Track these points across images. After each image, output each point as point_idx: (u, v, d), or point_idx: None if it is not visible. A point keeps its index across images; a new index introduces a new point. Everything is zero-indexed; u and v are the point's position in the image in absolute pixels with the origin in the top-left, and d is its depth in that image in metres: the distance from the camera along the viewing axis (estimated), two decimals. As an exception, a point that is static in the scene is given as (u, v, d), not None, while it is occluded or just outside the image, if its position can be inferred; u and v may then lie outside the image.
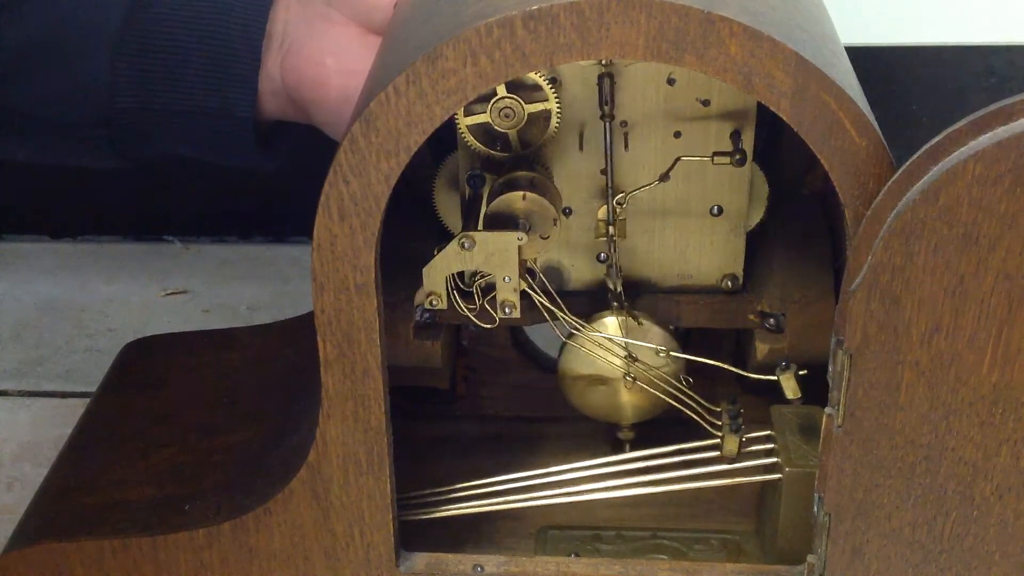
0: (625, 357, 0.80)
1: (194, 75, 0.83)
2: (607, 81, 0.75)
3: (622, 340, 0.80)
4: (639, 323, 0.80)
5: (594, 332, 0.80)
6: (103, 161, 0.88)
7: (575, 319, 0.79)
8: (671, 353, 0.80)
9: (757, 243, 0.82)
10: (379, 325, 0.68)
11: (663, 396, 0.80)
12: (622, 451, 0.83)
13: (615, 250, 0.80)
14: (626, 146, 0.78)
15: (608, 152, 0.77)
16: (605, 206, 0.78)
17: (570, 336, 0.81)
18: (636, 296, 0.82)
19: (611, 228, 0.78)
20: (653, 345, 0.80)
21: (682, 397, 0.80)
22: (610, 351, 0.80)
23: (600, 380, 0.82)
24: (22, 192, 1.31)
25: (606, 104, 0.75)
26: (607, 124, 0.76)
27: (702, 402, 0.80)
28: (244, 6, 0.83)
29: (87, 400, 0.94)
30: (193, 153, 0.89)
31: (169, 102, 0.83)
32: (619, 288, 0.80)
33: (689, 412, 0.80)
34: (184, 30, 0.82)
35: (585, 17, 0.61)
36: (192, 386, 0.92)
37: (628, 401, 0.83)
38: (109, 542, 0.77)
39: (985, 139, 0.59)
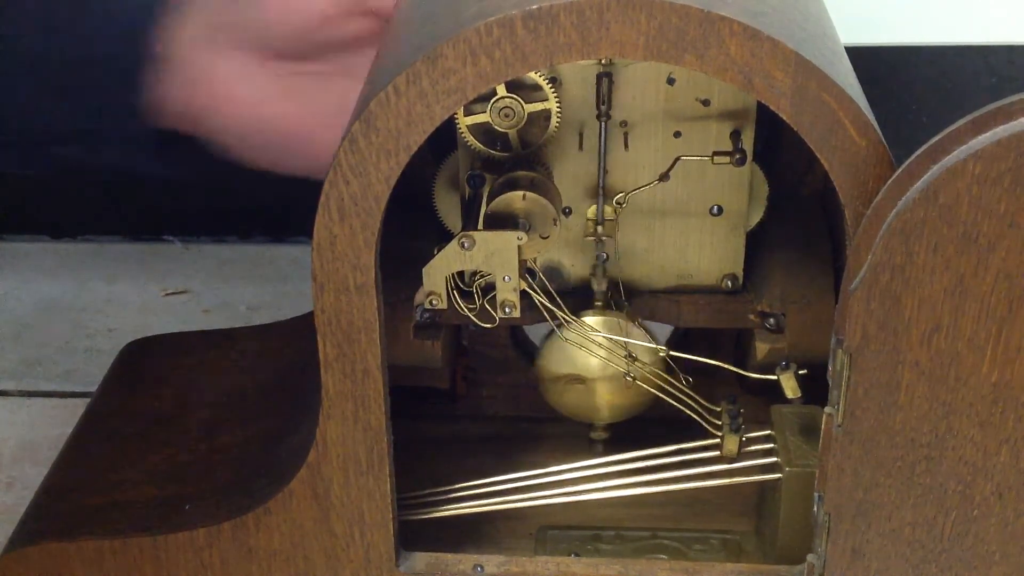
0: (625, 357, 0.81)
1: (78, 95, 0.83)
2: (605, 81, 0.75)
3: (622, 340, 0.80)
4: (620, 322, 0.80)
5: (593, 332, 0.80)
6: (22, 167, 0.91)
7: (575, 319, 0.79)
8: (672, 353, 0.80)
9: (757, 243, 0.82)
10: (379, 325, 0.68)
11: (663, 396, 0.80)
12: (622, 451, 0.83)
13: (603, 249, 0.80)
14: (626, 146, 0.78)
15: (602, 151, 0.77)
16: (595, 205, 0.79)
17: (550, 334, 0.81)
18: (624, 295, 0.82)
19: (599, 227, 0.79)
20: (652, 345, 0.80)
21: (682, 397, 0.80)
22: (606, 350, 0.81)
23: (577, 379, 0.82)
24: (22, 192, 1.31)
25: (603, 104, 0.75)
26: (603, 123, 0.76)
27: (702, 402, 0.80)
28: (128, 29, 0.83)
29: (87, 400, 0.94)
30: (99, 164, 0.90)
31: (58, 120, 0.84)
32: (603, 287, 0.80)
33: (689, 412, 0.80)
34: (65, 51, 0.83)
35: (585, 17, 0.61)
36: (192, 386, 0.92)
37: (605, 401, 0.83)
38: (109, 542, 0.77)
39: (985, 138, 0.59)
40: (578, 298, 0.82)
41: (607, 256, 0.81)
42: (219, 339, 0.98)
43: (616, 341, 0.80)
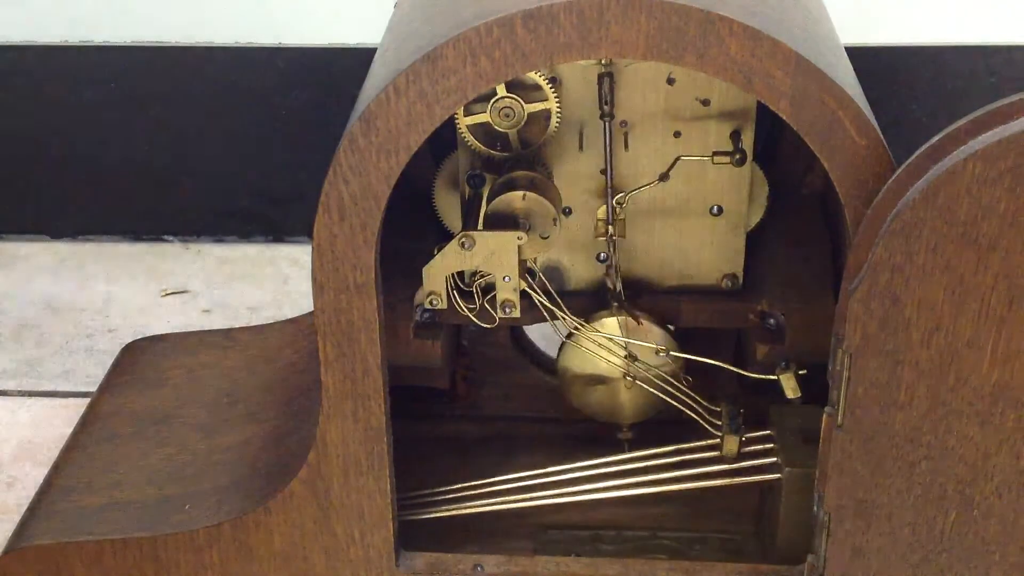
0: (625, 357, 0.80)
1: None
2: (606, 81, 0.75)
3: (622, 340, 0.80)
4: (639, 323, 0.80)
5: (594, 332, 0.80)
6: None
7: (575, 319, 0.79)
8: (671, 353, 0.80)
9: (757, 243, 0.82)
10: (379, 325, 0.68)
11: (663, 396, 0.80)
12: (622, 451, 0.83)
13: (615, 250, 0.80)
14: (626, 146, 0.78)
15: (608, 152, 0.77)
16: (604, 206, 0.79)
17: (569, 336, 0.81)
18: (636, 296, 0.82)
19: (611, 227, 0.78)
20: (653, 345, 0.80)
21: (682, 397, 0.80)
22: (610, 351, 0.80)
23: (599, 380, 0.82)
24: (22, 192, 1.31)
25: (606, 104, 0.75)
26: (607, 124, 0.76)
27: (702, 402, 0.80)
28: None
29: (87, 400, 0.94)
30: None
31: None
32: (619, 287, 0.80)
33: (689, 412, 0.80)
34: None
35: (585, 17, 0.61)
36: (192, 386, 0.92)
37: (627, 400, 0.83)
38: (109, 542, 0.77)
39: (985, 138, 0.59)
40: (587, 299, 0.82)
41: (607, 256, 0.81)
42: (219, 339, 0.98)
43: (618, 342, 0.80)
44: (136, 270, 1.28)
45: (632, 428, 0.85)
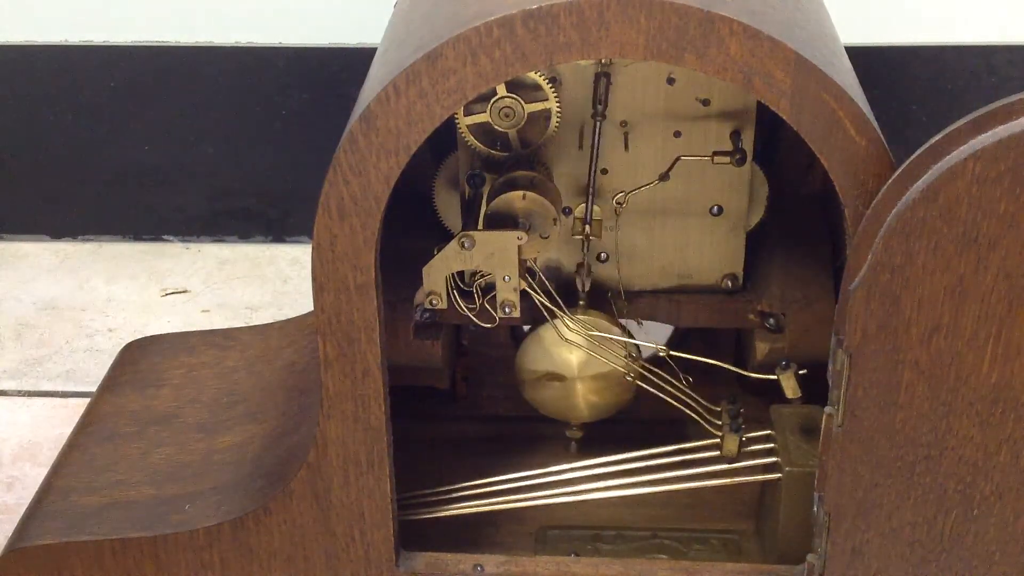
0: (626, 356, 0.81)
1: None
2: (602, 81, 0.75)
3: (625, 340, 0.80)
4: (610, 321, 0.80)
5: (594, 332, 0.80)
6: None
7: (574, 318, 0.79)
8: (672, 353, 0.80)
9: (757, 243, 0.82)
10: (379, 325, 0.68)
11: (664, 396, 0.80)
12: (622, 451, 0.83)
13: (588, 249, 0.80)
14: (626, 146, 0.78)
15: (595, 151, 0.77)
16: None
17: (531, 330, 0.81)
18: (623, 295, 0.82)
19: (587, 227, 0.78)
20: (653, 345, 0.80)
21: (682, 397, 0.80)
22: (601, 349, 0.80)
23: (555, 376, 0.82)
24: (22, 192, 1.31)
25: (599, 103, 0.75)
26: (597, 123, 0.76)
27: (702, 402, 0.80)
28: None
29: (87, 400, 0.93)
30: None
31: None
32: (588, 287, 0.80)
33: (689, 412, 0.80)
34: None
35: (585, 16, 0.61)
36: (192, 386, 0.92)
37: (583, 399, 0.83)
38: (109, 542, 0.77)
39: (985, 138, 0.59)
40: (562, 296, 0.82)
41: (607, 256, 0.81)
42: (219, 339, 0.98)
43: (615, 341, 0.80)
44: (136, 270, 1.28)
45: (582, 427, 0.85)
